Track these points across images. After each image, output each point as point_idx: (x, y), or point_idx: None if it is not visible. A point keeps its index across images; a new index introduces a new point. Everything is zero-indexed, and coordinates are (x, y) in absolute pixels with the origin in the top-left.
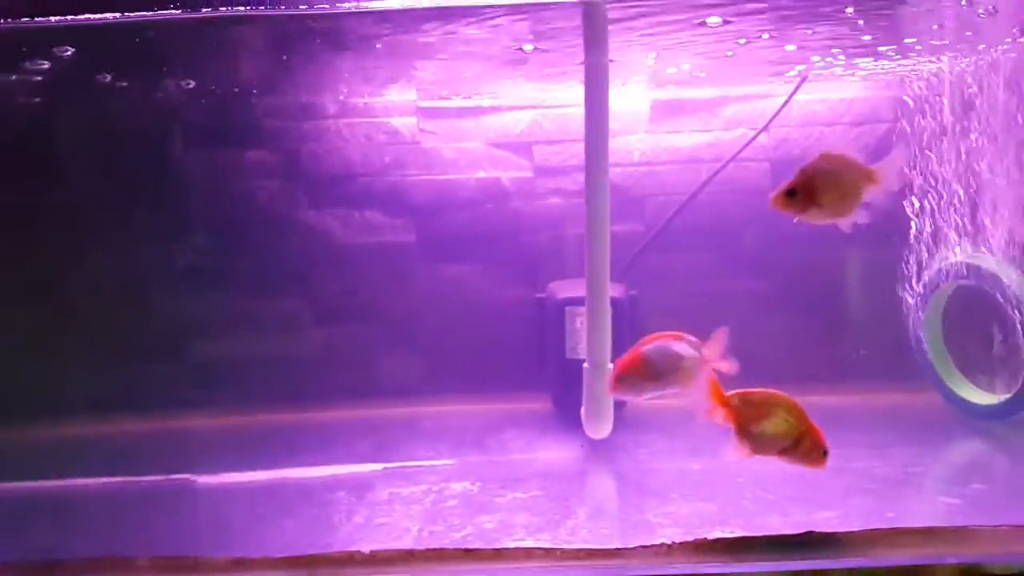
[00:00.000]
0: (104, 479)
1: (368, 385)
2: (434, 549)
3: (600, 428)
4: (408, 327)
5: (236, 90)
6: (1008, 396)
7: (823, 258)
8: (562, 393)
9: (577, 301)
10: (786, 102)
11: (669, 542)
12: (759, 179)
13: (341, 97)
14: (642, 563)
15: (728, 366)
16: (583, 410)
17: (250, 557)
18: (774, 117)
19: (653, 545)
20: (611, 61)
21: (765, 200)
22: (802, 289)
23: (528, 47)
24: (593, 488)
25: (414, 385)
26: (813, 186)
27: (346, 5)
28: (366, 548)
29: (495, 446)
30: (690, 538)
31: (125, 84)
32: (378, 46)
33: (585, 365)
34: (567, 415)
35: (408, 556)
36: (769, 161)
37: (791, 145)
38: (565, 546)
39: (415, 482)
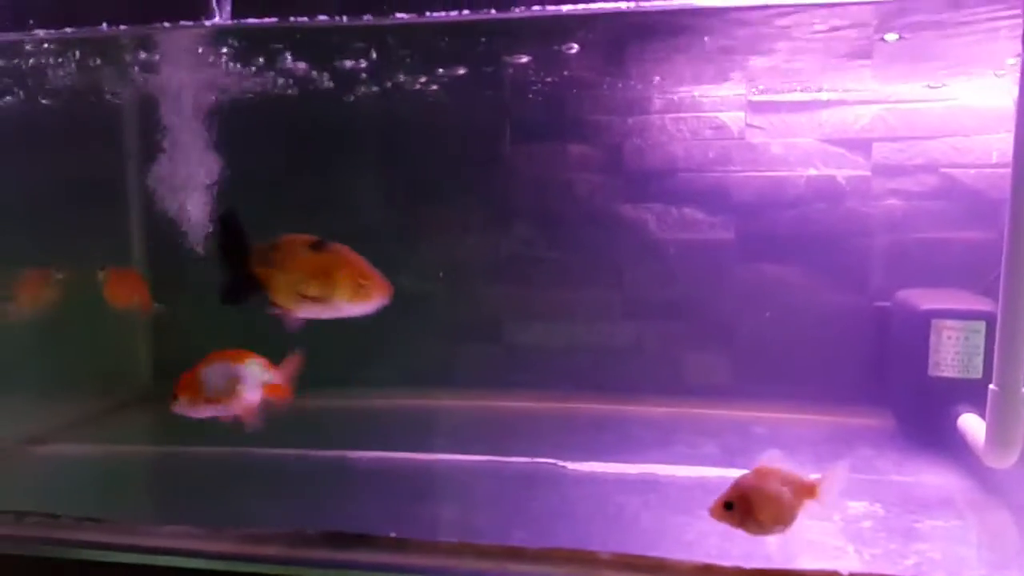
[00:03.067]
0: (465, 456)
1: (676, 382)
2: None
3: (1006, 456)
4: (721, 326)
5: (564, 86)
6: None
7: None
8: (917, 412)
9: (946, 313)
10: None
11: None
12: None
13: (669, 92)
14: None
15: (282, 393)
16: (975, 435)
17: (719, 564)
18: None
19: None
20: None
21: None
22: None
23: (891, 36)
24: (1020, 522)
25: (726, 387)
26: (748, 503)
27: (678, 2)
28: (844, 569)
29: (862, 464)
30: None
31: (458, 81)
32: (707, 39)
33: (992, 387)
34: (923, 436)
35: None
36: None
37: None
38: None
39: None
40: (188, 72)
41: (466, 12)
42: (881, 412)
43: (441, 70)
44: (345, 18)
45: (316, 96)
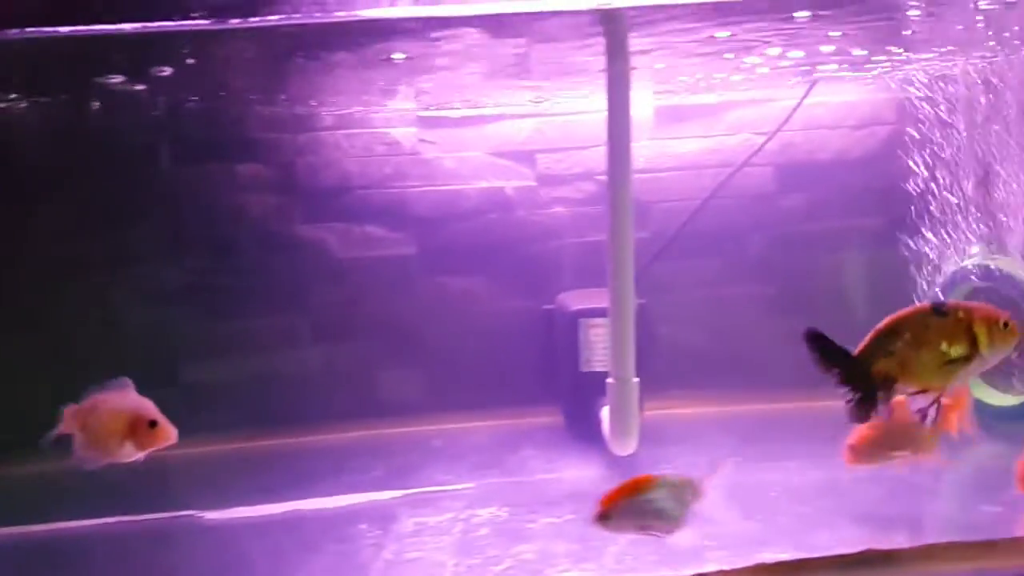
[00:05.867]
0: (100, 520)
1: (370, 403)
2: None
3: (626, 444)
4: (411, 342)
5: (228, 102)
6: None
7: (830, 261)
8: (575, 408)
9: (591, 312)
10: (796, 107)
11: (726, 568)
12: (763, 184)
13: (338, 108)
14: None
15: None
16: (607, 426)
17: None
18: (786, 121)
19: (709, 572)
20: (633, 68)
21: (769, 204)
22: (809, 293)
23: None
24: None
25: (418, 402)
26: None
27: (341, 14)
28: None
29: (515, 466)
30: (746, 563)
31: (111, 97)
32: (377, 56)
33: (609, 380)
34: (581, 430)
35: None
36: (773, 166)
37: (795, 150)
38: None
39: (439, 509)
40: None
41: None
42: (552, 411)
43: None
44: None
45: None
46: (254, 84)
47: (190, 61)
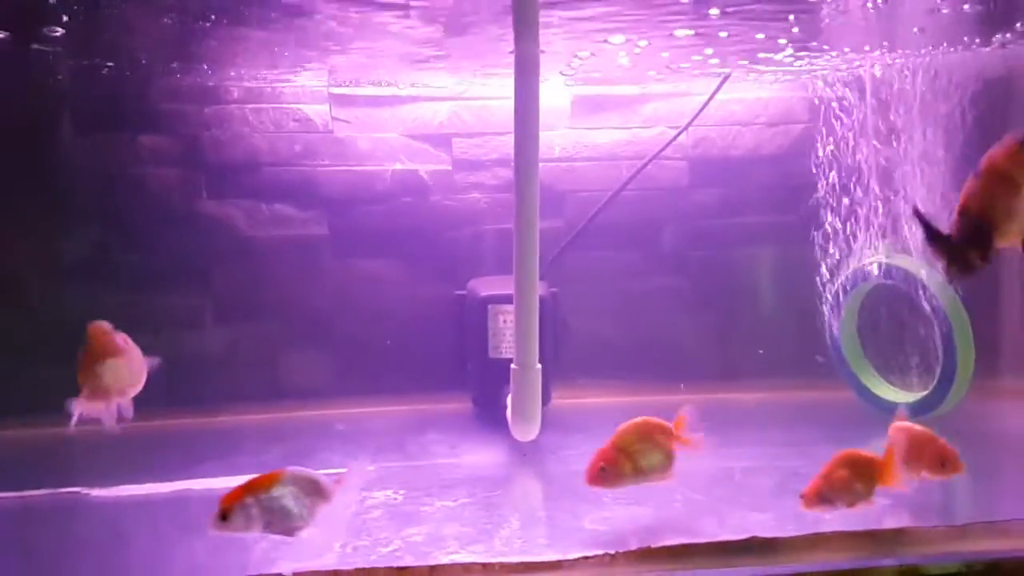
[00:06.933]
0: None
1: (275, 387)
2: (363, 568)
3: (528, 431)
4: (319, 325)
5: (131, 69)
6: (923, 394)
7: (741, 256)
8: (484, 394)
9: (501, 299)
10: (708, 101)
11: (612, 552)
12: (677, 177)
13: (247, 80)
14: (583, 574)
15: None
16: (509, 412)
17: None
18: (697, 115)
19: (594, 555)
20: (541, 52)
21: (683, 198)
22: (720, 286)
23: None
24: (524, 493)
25: (325, 386)
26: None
27: None
28: (287, 569)
29: (417, 450)
30: (631, 546)
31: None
32: (287, 26)
33: (513, 366)
34: (489, 416)
35: None
36: (687, 160)
37: (709, 144)
38: (503, 559)
39: None
40: None
41: None
42: (462, 397)
43: None
44: None
45: None
46: (158, 51)
47: (66, 18)
